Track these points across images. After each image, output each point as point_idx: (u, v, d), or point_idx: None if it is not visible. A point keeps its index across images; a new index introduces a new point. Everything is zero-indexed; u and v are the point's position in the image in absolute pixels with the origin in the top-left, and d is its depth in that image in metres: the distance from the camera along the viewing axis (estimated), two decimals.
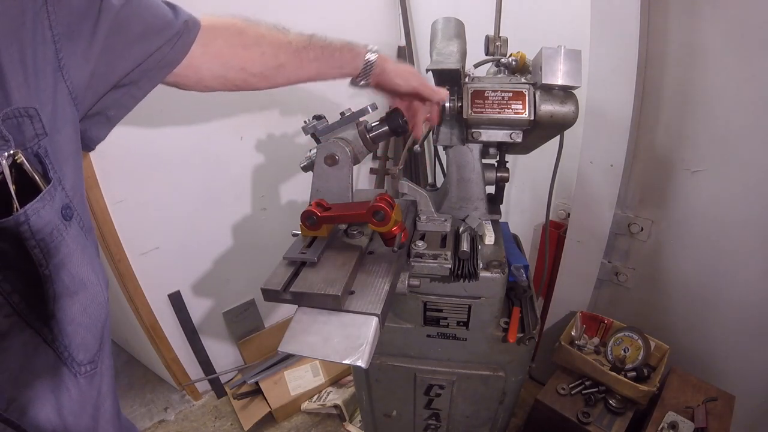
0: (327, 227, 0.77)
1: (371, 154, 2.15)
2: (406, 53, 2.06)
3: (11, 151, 0.33)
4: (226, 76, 0.68)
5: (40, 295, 0.37)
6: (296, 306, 0.70)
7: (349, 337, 0.62)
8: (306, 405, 1.88)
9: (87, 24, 0.44)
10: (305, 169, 0.93)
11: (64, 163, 0.41)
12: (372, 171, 2.24)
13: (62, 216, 0.38)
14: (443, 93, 0.84)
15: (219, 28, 0.66)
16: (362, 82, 0.80)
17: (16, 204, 0.33)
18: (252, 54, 0.69)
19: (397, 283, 0.77)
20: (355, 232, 0.82)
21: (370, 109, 0.84)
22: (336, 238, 0.81)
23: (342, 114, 0.87)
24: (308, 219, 0.75)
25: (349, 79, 0.81)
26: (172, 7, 0.59)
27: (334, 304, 0.66)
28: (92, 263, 0.44)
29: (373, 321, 0.64)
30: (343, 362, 0.60)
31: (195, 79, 0.65)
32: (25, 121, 0.35)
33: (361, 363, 0.59)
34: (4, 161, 0.32)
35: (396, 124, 0.85)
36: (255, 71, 0.70)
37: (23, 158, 0.34)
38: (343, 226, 0.83)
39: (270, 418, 1.84)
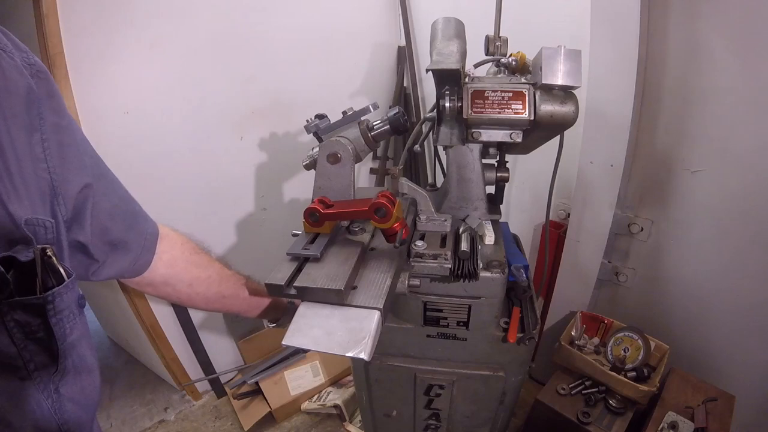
0: (329, 224, 0.77)
1: (371, 154, 2.15)
2: (406, 53, 2.06)
3: (44, 246, 0.40)
4: (175, 286, 0.72)
5: (49, 368, 0.43)
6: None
7: (351, 331, 0.63)
8: (306, 405, 1.88)
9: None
10: (308, 167, 0.93)
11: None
12: (372, 171, 2.25)
13: (78, 304, 0.45)
14: None
15: (176, 240, 0.71)
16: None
17: (39, 286, 0.40)
18: (201, 274, 0.74)
19: (398, 279, 0.78)
20: (357, 229, 0.82)
21: (371, 108, 0.85)
22: (338, 235, 0.82)
23: (344, 113, 0.87)
24: (311, 216, 0.75)
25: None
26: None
27: (337, 298, 0.66)
28: (93, 352, 0.51)
29: (375, 315, 0.65)
30: (346, 355, 0.60)
31: (147, 280, 0.68)
32: (40, 230, 0.42)
33: (364, 356, 0.60)
34: (37, 251, 0.39)
35: (398, 122, 0.85)
36: (199, 290, 0.74)
37: (53, 252, 0.41)
38: (346, 223, 0.84)
39: (270, 418, 1.84)
